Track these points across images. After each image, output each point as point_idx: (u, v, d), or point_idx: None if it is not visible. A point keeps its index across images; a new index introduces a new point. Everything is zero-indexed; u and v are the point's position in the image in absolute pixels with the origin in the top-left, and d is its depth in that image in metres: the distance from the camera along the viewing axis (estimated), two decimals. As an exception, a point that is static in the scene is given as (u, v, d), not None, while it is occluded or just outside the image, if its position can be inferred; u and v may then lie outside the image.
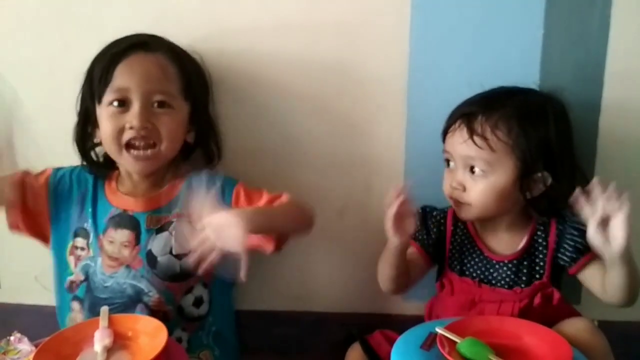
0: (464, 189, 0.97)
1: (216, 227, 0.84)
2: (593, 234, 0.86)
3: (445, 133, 1.01)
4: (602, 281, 0.93)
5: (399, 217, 0.91)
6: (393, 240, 0.94)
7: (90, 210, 1.03)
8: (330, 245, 1.16)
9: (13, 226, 1.03)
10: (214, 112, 1.10)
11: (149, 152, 0.98)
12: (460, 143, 0.96)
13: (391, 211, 0.91)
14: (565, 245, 0.98)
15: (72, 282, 1.03)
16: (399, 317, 1.17)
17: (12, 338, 0.90)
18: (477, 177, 0.96)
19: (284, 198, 1.00)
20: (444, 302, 1.04)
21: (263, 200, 1.00)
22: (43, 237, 1.06)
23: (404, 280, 1.01)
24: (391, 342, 0.91)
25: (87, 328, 0.87)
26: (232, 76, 1.11)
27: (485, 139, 0.93)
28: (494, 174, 0.94)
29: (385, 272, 1.00)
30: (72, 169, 1.07)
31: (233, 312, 1.12)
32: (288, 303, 1.20)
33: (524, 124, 0.93)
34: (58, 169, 1.06)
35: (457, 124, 0.97)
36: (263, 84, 1.12)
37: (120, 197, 1.03)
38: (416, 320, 0.97)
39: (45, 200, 1.04)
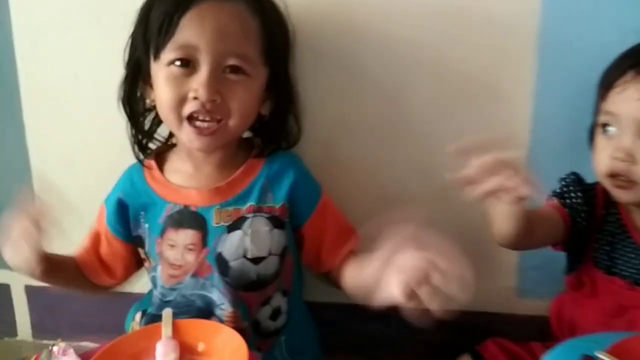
0: (633, 161, 0.78)
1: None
2: None
3: (607, 89, 0.82)
4: None
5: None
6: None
7: (142, 212, 0.87)
8: (430, 230, 0.99)
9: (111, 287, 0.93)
10: (293, 74, 0.93)
11: (215, 125, 0.80)
12: (636, 100, 0.77)
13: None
14: None
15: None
16: (511, 318, 1.02)
17: (55, 349, 0.77)
18: None
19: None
20: (580, 304, 0.88)
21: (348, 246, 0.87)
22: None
23: (526, 237, 0.81)
24: (510, 354, 0.83)
25: (146, 338, 0.75)
26: (312, 23, 0.93)
27: None
28: None
29: (500, 224, 0.81)
30: (115, 188, 0.91)
31: (310, 318, 0.98)
32: (377, 296, 1.06)
33: None
34: (107, 200, 0.91)
35: (628, 76, 0.79)
36: (352, 33, 0.95)
37: (176, 190, 0.86)
38: (533, 322, 0.90)
39: (121, 243, 0.90)
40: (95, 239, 0.90)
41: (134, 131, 0.88)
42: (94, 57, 1.01)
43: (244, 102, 0.80)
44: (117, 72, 0.87)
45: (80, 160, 1.05)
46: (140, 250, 0.89)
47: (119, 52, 0.87)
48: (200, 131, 0.80)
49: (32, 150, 1.06)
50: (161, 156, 0.90)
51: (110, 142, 0.97)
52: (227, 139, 0.83)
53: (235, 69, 0.79)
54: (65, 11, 1.00)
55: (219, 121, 0.80)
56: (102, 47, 0.99)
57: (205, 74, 0.77)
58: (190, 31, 0.77)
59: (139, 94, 0.87)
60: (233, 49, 0.78)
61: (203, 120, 0.79)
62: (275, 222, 0.84)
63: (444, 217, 0.97)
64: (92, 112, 1.02)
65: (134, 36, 0.84)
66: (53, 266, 0.83)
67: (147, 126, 0.90)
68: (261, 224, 0.83)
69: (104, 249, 0.90)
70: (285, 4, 0.87)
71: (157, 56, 0.80)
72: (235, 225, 0.83)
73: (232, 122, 0.81)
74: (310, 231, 0.87)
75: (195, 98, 0.77)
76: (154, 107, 0.87)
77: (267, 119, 0.87)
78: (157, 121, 0.90)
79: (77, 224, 0.99)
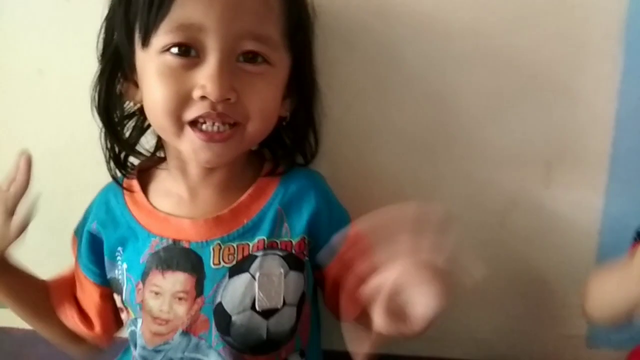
0: None
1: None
2: None
3: None
4: None
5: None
6: None
7: (119, 248, 0.69)
8: (482, 266, 0.84)
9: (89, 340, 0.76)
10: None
11: (228, 129, 0.63)
12: None
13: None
14: None
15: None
16: (580, 372, 0.88)
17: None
18: None
19: None
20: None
21: None
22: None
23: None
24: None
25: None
26: (336, 3, 0.77)
27: None
28: None
29: (615, 300, 0.67)
30: (86, 215, 0.75)
31: None
32: (414, 346, 0.91)
33: None
34: (77, 230, 0.75)
35: None
36: (387, 17, 0.79)
37: (164, 219, 0.69)
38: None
39: (94, 286, 0.74)
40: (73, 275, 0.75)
41: (109, 143, 0.70)
42: (61, 48, 0.85)
43: (266, 100, 0.64)
44: (90, 65, 0.70)
45: (45, 173, 0.87)
46: (117, 297, 0.71)
47: (93, 40, 0.70)
48: (209, 136, 0.62)
49: (-13, 161, 0.92)
50: (145, 174, 0.72)
51: (81, 152, 0.81)
52: (243, 149, 0.66)
53: (252, 56, 0.62)
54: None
55: (232, 125, 0.63)
56: (71, 36, 0.83)
57: (214, 65, 0.60)
58: (192, 5, 0.59)
59: (118, 94, 0.69)
60: (250, 28, 0.61)
61: (212, 124, 0.63)
62: (293, 262, 0.67)
63: (500, 250, 0.84)
64: (60, 115, 0.87)
65: (112, 16, 0.65)
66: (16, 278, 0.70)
67: (126, 134, 0.71)
68: (274, 265, 0.66)
69: (78, 290, 0.74)
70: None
71: (145, 41, 0.61)
72: (241, 266, 0.66)
73: (250, 127, 0.63)
74: (334, 272, 0.70)
75: (203, 97, 0.60)
76: (139, 111, 0.69)
77: (284, 124, 0.70)
78: (140, 128, 0.72)
79: (42, 255, 0.86)
